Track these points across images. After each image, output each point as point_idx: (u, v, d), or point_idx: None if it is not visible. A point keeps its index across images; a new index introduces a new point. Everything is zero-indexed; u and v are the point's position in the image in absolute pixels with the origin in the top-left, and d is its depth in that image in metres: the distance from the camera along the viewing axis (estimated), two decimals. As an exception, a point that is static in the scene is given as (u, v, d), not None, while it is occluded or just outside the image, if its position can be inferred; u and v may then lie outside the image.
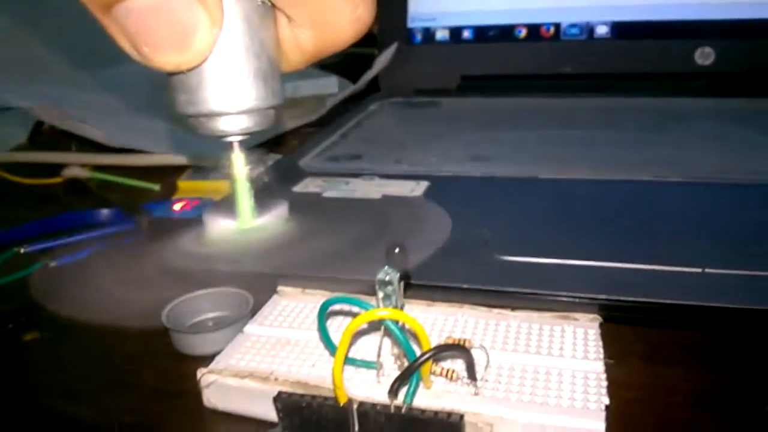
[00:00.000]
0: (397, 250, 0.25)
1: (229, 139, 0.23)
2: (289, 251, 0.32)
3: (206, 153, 0.49)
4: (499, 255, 0.30)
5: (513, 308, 0.27)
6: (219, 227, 0.32)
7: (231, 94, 0.21)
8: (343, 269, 0.30)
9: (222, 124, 0.22)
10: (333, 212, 0.36)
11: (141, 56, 0.19)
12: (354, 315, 0.21)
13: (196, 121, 0.22)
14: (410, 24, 0.65)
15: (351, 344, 0.25)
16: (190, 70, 0.20)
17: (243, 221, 0.26)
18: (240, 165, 0.24)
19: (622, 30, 0.61)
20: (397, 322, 0.21)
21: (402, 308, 0.23)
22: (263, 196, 0.26)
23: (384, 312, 0.21)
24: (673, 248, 0.30)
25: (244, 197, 0.25)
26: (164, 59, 0.19)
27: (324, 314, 0.23)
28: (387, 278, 0.22)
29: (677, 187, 0.37)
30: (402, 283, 0.23)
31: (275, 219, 0.33)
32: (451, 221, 0.33)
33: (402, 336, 0.21)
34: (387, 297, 0.23)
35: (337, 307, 0.26)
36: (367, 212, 0.36)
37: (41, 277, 0.35)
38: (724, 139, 0.46)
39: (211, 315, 0.30)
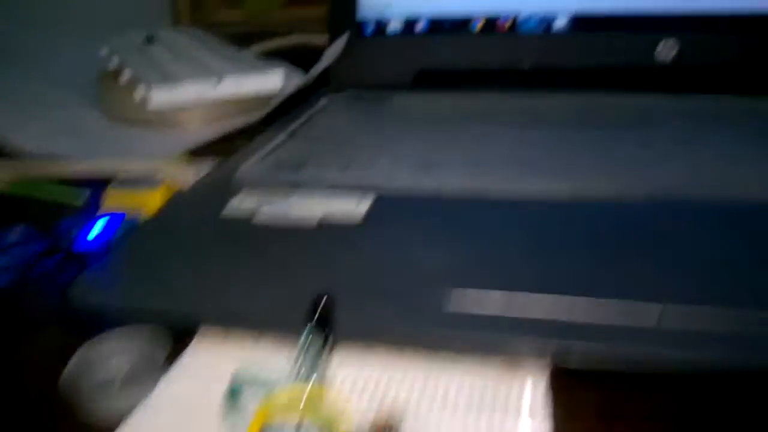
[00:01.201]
0: (323, 302, 0.23)
1: None
2: (212, 289, 0.29)
3: (138, 160, 0.45)
4: (442, 299, 0.27)
5: (456, 353, 0.25)
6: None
7: None
8: (268, 312, 0.27)
9: None
10: (262, 244, 0.33)
11: None
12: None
13: None
14: (361, 13, 0.61)
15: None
16: None
17: None
18: None
19: (581, 23, 0.58)
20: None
21: (324, 373, 0.20)
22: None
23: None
24: (634, 283, 0.27)
25: None
26: None
27: (234, 399, 0.20)
28: (306, 345, 0.19)
29: (640, 209, 0.35)
30: (329, 344, 0.21)
31: None
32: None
33: None
34: (307, 364, 0.20)
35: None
36: (299, 244, 0.33)
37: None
38: (690, 147, 0.44)
39: (119, 365, 0.26)
